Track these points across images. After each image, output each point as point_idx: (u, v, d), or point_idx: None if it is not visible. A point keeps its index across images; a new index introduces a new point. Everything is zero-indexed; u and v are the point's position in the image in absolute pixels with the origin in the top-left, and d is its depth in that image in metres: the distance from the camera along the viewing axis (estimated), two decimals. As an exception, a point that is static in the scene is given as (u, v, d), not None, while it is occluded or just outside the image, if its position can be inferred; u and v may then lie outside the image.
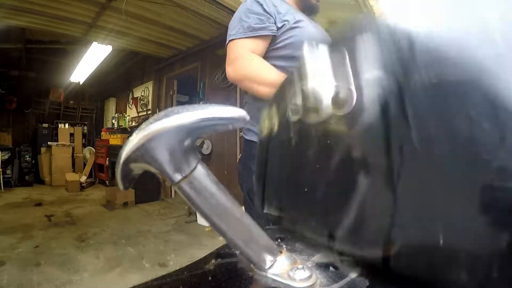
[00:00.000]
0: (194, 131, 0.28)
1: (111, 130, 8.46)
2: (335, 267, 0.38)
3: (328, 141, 0.37)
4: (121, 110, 8.67)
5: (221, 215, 0.33)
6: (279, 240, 0.45)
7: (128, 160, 0.28)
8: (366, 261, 0.35)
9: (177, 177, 0.30)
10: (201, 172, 0.31)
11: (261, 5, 1.20)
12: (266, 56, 1.23)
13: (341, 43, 0.43)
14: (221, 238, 0.35)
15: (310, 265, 0.38)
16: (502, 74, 0.25)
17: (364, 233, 0.34)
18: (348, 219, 0.35)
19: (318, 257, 0.40)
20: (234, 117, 0.29)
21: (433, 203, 0.28)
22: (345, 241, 0.36)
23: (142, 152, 0.28)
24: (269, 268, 0.36)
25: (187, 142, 0.29)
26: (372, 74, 0.35)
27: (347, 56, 0.40)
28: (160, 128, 0.27)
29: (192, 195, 0.31)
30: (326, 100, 0.36)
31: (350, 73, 0.36)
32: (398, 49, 0.34)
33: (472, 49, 0.28)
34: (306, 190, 0.39)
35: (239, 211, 0.34)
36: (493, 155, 0.25)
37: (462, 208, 0.27)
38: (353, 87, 0.35)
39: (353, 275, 0.36)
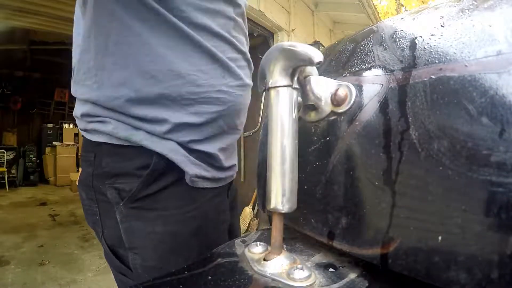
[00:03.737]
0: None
1: (115, 130, 8.47)
2: (335, 267, 0.38)
3: (328, 139, 0.37)
4: (125, 110, 8.67)
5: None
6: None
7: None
8: (365, 262, 0.34)
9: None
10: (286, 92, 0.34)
11: None
12: None
13: (343, 42, 0.43)
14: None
15: (309, 265, 0.38)
16: (501, 70, 0.25)
17: (363, 231, 0.34)
18: (347, 217, 0.35)
19: (318, 257, 0.40)
20: None
21: (432, 200, 0.28)
22: (344, 239, 0.35)
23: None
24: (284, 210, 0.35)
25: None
26: (372, 72, 0.35)
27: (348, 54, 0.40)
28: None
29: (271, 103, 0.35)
30: (326, 98, 0.36)
31: (350, 70, 0.36)
32: (398, 48, 0.33)
33: (472, 47, 0.27)
34: (305, 187, 0.39)
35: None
36: (492, 150, 0.25)
37: (461, 205, 0.27)
38: (352, 85, 0.35)
39: (352, 275, 0.36)
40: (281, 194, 0.34)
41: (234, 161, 0.73)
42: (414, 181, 0.29)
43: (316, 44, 3.49)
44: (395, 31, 0.35)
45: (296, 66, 0.33)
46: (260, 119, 3.45)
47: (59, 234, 3.78)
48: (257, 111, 3.44)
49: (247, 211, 3.37)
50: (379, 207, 0.31)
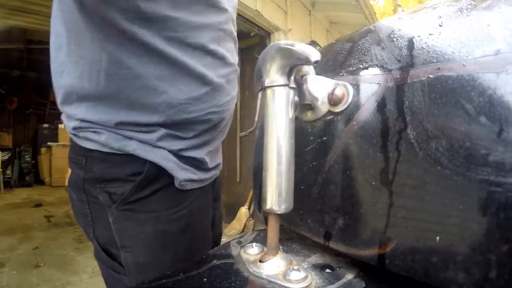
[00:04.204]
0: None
1: (112, 131, 8.42)
2: (332, 268, 0.37)
3: (324, 138, 0.36)
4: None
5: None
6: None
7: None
8: (362, 262, 0.34)
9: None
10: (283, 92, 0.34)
11: None
12: None
13: (340, 41, 0.42)
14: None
15: (305, 266, 0.37)
16: (500, 70, 0.25)
17: (360, 232, 0.33)
18: (344, 218, 0.34)
19: (314, 258, 0.39)
20: None
21: (430, 199, 0.28)
22: (341, 240, 0.35)
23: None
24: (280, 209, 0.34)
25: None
26: (369, 71, 0.35)
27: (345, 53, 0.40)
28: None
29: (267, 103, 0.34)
30: (322, 98, 0.36)
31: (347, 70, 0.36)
32: (396, 47, 0.33)
33: (470, 46, 0.27)
34: (302, 187, 0.39)
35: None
36: (490, 150, 0.25)
37: (459, 205, 0.26)
38: (349, 84, 0.34)
39: (349, 276, 0.36)
40: (277, 195, 0.33)
41: (219, 160, 0.76)
42: (411, 181, 0.29)
43: (312, 44, 3.49)
44: (393, 31, 0.35)
45: (293, 65, 0.33)
46: (256, 119, 3.45)
47: (55, 235, 3.74)
48: (254, 110, 3.44)
49: (243, 211, 3.35)
50: (376, 207, 0.31)
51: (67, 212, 4.90)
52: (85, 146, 0.61)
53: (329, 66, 0.41)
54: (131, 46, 0.55)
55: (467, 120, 0.26)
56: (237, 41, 0.73)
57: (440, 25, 0.31)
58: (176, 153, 0.61)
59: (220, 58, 0.64)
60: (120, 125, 0.58)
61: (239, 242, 0.45)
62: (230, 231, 3.20)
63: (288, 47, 0.32)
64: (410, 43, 0.32)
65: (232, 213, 3.42)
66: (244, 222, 3.29)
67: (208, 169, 0.69)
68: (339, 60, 0.40)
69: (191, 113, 0.60)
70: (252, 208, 3.36)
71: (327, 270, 0.37)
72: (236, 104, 0.76)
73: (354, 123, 0.33)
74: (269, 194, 0.34)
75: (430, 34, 0.31)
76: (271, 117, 0.34)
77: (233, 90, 0.70)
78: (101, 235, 0.66)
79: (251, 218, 3.37)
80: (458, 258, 0.27)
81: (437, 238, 0.28)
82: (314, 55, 0.30)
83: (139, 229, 0.61)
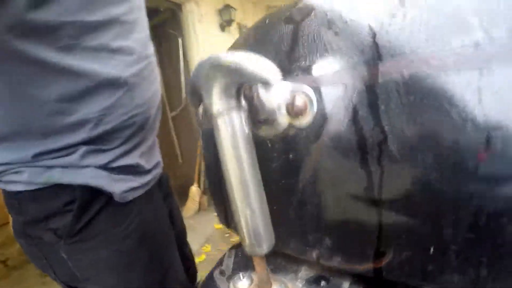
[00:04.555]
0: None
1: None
2: (326, 279, 0.35)
3: (291, 156, 0.31)
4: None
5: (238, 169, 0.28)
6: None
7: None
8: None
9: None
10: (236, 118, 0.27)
11: None
12: None
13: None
14: None
15: (300, 285, 0.35)
16: (484, 65, 0.21)
17: (352, 249, 0.31)
18: (331, 237, 0.31)
19: (304, 272, 0.37)
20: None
21: (421, 213, 0.25)
22: (332, 258, 0.32)
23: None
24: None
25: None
26: (329, 66, 0.29)
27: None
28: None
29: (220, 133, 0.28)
30: (280, 108, 0.30)
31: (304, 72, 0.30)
32: (354, 33, 0.28)
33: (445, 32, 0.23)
34: (274, 208, 0.34)
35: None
36: (479, 161, 0.22)
37: (452, 217, 0.24)
38: (310, 90, 0.29)
39: (346, 285, 0.34)
40: (255, 237, 0.29)
41: (157, 158, 0.71)
42: (400, 196, 0.26)
43: (226, 8, 3.20)
44: (344, 9, 0.29)
45: (242, 84, 0.26)
46: (183, 95, 3.20)
47: (17, 278, 3.35)
48: (179, 86, 3.17)
49: (194, 190, 3.21)
50: (365, 225, 0.28)
51: (20, 248, 4.45)
52: (13, 190, 0.55)
53: (271, 57, 0.35)
54: (25, 70, 0.46)
55: (452, 128, 0.22)
56: (147, 28, 0.63)
57: (401, 5, 0.25)
58: (105, 167, 0.56)
59: (130, 54, 0.55)
60: (37, 156, 0.52)
61: (222, 273, 0.41)
62: (187, 213, 3.12)
63: (235, 66, 0.24)
64: (370, 27, 0.26)
65: (183, 195, 3.30)
66: (198, 200, 3.20)
67: (146, 171, 0.63)
68: (282, 49, 0.33)
69: (110, 122, 0.54)
70: (202, 185, 3.27)
71: (323, 283, 0.35)
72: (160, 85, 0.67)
73: (324, 137, 0.28)
74: (246, 237, 0.29)
75: (393, 17, 0.25)
76: (227, 148, 0.28)
77: (153, 84, 0.62)
78: (61, 274, 0.62)
79: (204, 195, 3.31)
80: (453, 264, 0.26)
81: (431, 249, 0.26)
82: (274, 73, 0.24)
83: (95, 257, 0.58)
